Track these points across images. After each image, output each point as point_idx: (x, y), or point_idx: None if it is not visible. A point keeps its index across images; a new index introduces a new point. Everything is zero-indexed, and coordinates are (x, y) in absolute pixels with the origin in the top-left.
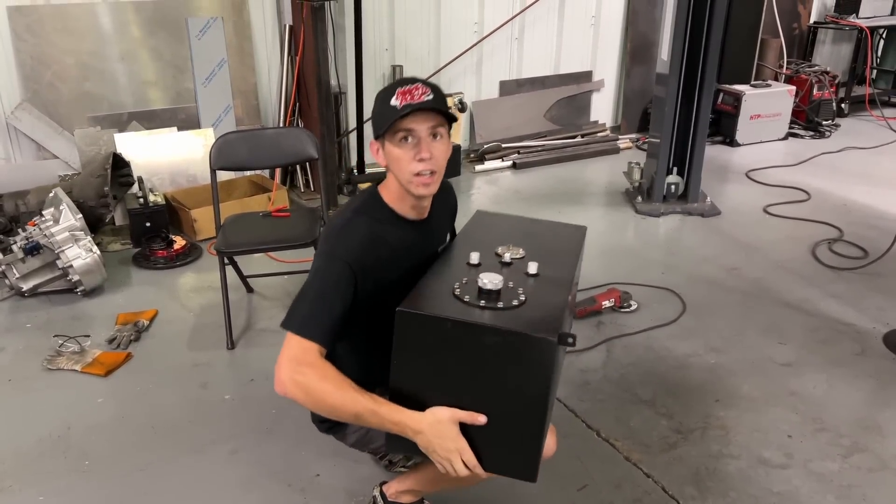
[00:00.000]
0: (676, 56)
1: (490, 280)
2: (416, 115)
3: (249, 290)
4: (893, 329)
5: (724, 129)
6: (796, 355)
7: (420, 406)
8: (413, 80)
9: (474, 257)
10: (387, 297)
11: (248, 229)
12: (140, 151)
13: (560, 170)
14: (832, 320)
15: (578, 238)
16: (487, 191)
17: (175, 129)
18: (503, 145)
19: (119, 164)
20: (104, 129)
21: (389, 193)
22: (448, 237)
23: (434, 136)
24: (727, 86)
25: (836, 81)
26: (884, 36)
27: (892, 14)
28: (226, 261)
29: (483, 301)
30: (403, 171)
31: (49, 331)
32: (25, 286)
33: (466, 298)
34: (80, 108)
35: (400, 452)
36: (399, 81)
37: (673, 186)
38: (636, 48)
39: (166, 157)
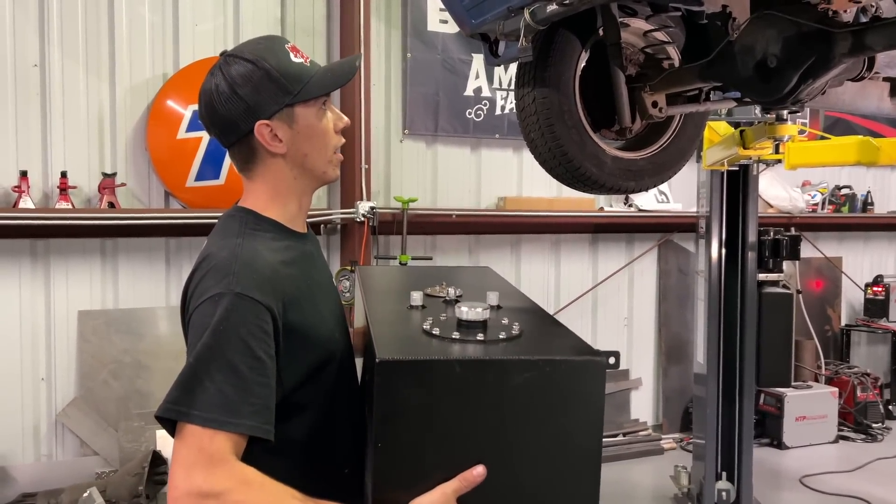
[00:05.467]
0: (712, 358)
1: (471, 310)
2: None
3: None
4: None
5: (769, 430)
6: None
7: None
8: (281, 38)
9: (416, 297)
10: (320, 348)
11: None
12: None
13: (603, 471)
14: None
15: (492, 274)
16: None
17: None
18: None
19: (157, 462)
20: (148, 425)
21: (265, 203)
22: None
23: None
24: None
25: (879, 383)
26: None
27: None
28: None
29: (479, 335)
30: (326, 150)
31: None
32: None
33: (455, 335)
34: (128, 405)
35: None
36: (270, 38)
37: (724, 493)
38: (671, 348)
39: None
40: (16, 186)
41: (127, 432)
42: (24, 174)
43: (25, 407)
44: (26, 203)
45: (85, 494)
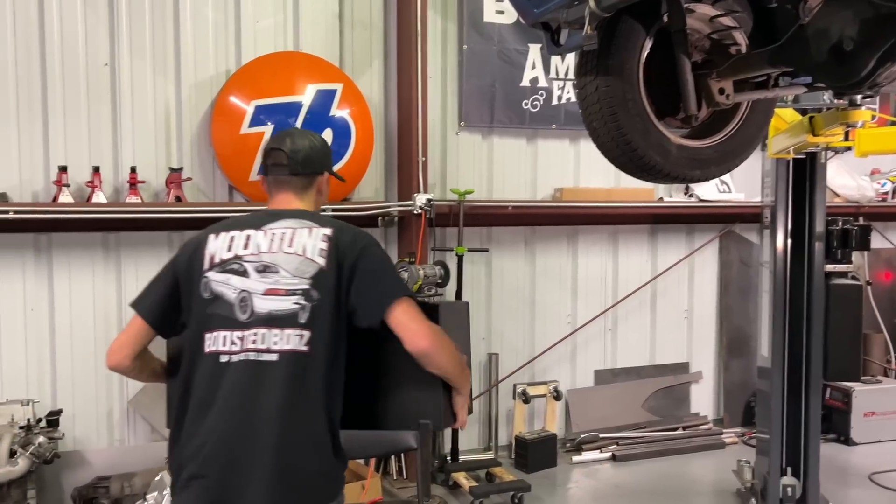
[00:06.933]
0: (778, 352)
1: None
2: None
3: None
4: None
5: (836, 426)
6: None
7: None
8: None
9: None
10: None
11: None
12: None
13: (663, 464)
14: None
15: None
16: (586, 485)
17: None
18: (601, 435)
19: None
20: None
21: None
22: None
23: None
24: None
25: None
26: None
27: None
28: None
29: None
30: None
31: None
32: None
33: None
34: None
35: (449, 424)
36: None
37: (789, 489)
38: (732, 341)
39: None
40: (89, 181)
41: None
42: (96, 170)
43: (99, 394)
44: (98, 197)
45: (156, 478)
